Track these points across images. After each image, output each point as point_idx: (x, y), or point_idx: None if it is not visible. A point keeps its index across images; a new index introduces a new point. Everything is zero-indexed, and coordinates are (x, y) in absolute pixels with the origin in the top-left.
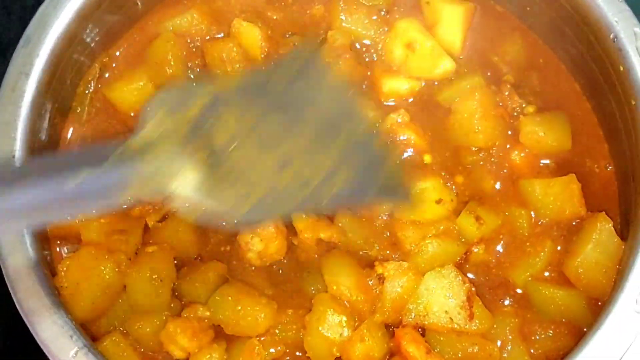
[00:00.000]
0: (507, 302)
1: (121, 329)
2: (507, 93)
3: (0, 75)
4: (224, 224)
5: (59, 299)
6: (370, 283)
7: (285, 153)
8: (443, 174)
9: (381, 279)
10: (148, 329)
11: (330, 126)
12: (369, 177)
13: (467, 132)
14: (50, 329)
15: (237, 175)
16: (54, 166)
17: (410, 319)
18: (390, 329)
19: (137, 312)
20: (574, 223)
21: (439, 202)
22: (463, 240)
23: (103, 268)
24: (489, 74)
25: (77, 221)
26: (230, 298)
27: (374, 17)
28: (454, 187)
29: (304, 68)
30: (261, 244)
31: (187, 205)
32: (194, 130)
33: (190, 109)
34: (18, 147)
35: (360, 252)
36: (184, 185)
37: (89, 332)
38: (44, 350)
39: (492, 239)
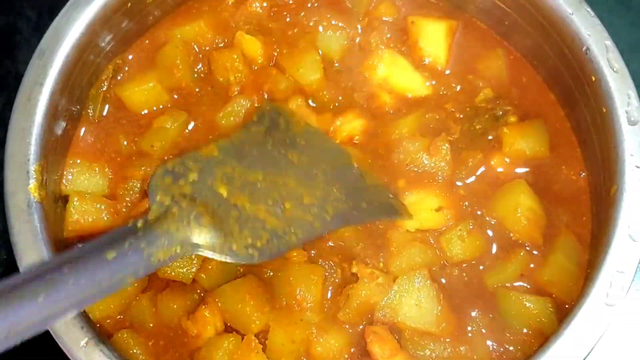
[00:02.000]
0: (478, 306)
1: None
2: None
3: None
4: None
5: None
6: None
7: (279, 195)
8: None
9: (354, 277)
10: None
11: (313, 163)
12: (357, 198)
13: None
14: (62, 320)
15: (242, 224)
16: (90, 251)
17: (381, 316)
18: (361, 326)
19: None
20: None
21: (439, 210)
22: (448, 254)
23: None
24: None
25: (102, 222)
26: (233, 296)
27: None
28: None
29: (271, 123)
30: None
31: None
32: (197, 191)
33: (190, 175)
34: (32, 152)
35: (343, 244)
36: (201, 240)
37: (104, 328)
38: (57, 341)
39: (472, 251)
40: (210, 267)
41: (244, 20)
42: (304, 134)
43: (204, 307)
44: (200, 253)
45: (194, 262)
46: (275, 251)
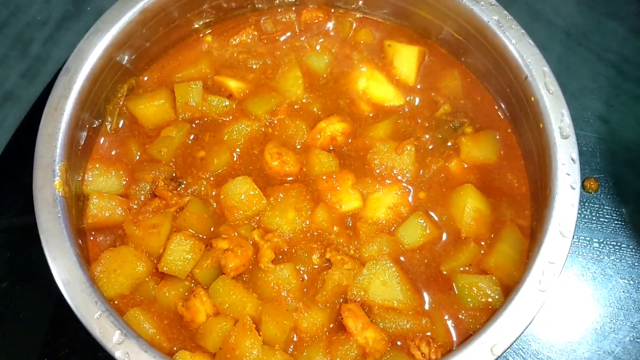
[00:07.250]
0: (436, 285)
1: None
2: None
3: None
4: None
5: (88, 273)
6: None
7: None
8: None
9: (328, 262)
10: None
11: None
12: None
13: None
14: (79, 296)
15: None
16: None
17: (354, 295)
18: (339, 301)
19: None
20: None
21: (401, 205)
22: (407, 243)
23: (138, 264)
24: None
25: (116, 216)
26: (221, 290)
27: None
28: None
29: None
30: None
31: None
32: None
33: None
34: (58, 154)
35: (319, 232)
36: None
37: (117, 306)
38: (75, 313)
39: (430, 242)
40: (205, 264)
41: (238, 50)
42: None
43: (194, 297)
44: None
45: (190, 259)
46: None
